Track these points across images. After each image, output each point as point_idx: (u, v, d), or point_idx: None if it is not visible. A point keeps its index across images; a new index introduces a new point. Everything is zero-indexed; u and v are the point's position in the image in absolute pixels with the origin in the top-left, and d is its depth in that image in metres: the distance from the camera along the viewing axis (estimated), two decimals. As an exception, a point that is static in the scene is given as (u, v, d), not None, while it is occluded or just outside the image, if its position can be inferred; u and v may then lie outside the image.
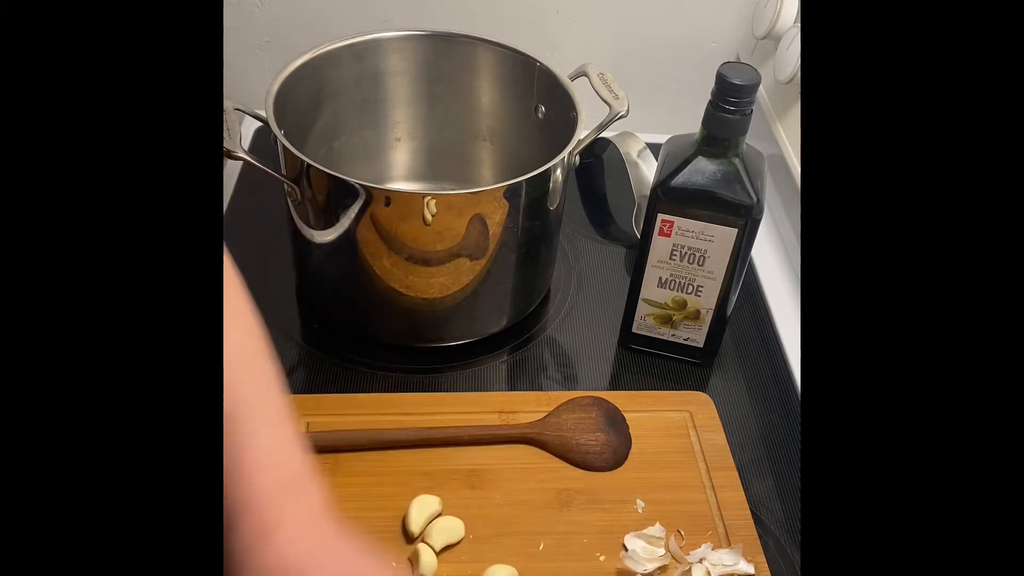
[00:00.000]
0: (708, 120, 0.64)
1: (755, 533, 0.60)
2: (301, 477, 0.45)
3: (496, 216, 0.67)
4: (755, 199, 0.65)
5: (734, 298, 0.71)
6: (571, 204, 0.92)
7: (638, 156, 0.90)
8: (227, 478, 0.42)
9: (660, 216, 0.67)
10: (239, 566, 0.43)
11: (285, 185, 0.68)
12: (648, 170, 0.88)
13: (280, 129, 0.67)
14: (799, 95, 0.87)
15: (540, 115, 0.78)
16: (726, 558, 0.57)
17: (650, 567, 0.57)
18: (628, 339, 0.76)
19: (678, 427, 0.67)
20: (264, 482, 0.43)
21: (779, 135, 0.89)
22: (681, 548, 0.58)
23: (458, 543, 0.58)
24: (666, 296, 0.71)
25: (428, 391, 0.71)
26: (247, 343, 0.46)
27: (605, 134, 0.72)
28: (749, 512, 0.62)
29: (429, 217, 0.64)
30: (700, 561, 0.57)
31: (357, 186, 0.64)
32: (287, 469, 0.45)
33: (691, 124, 0.67)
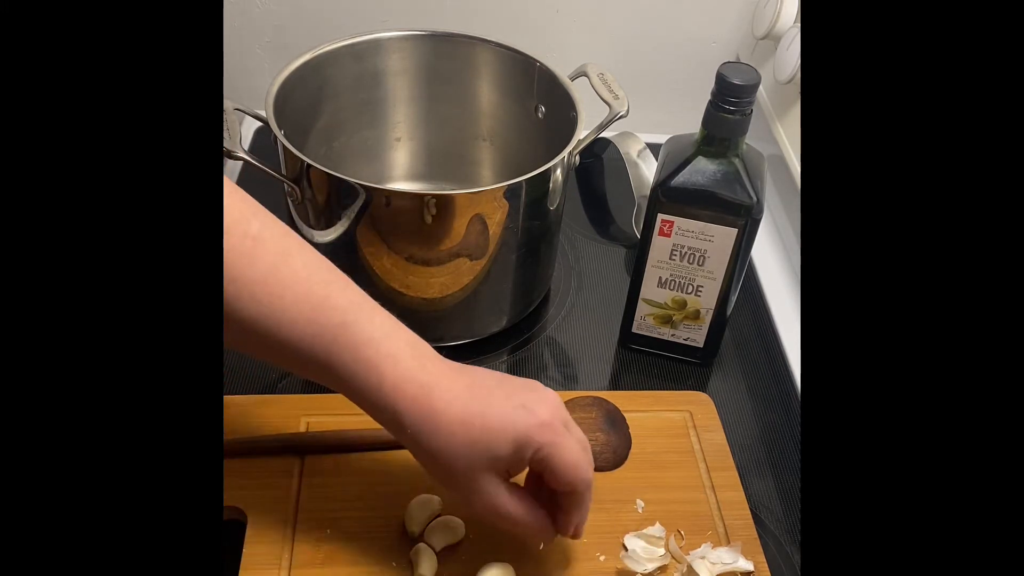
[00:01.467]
0: (708, 120, 0.64)
1: (755, 533, 0.60)
2: (418, 340, 0.52)
3: (496, 216, 0.67)
4: (755, 199, 0.65)
5: (734, 298, 0.71)
6: (571, 204, 0.92)
7: (638, 156, 0.90)
8: (364, 363, 0.49)
9: (660, 216, 0.67)
10: (406, 410, 0.49)
11: (285, 185, 0.68)
12: (648, 170, 0.88)
13: (280, 129, 0.67)
14: (799, 95, 0.86)
15: (540, 115, 0.78)
16: (725, 556, 0.57)
17: (650, 567, 0.57)
18: (628, 339, 0.76)
19: (678, 427, 0.67)
20: (394, 343, 0.50)
21: (779, 135, 0.89)
22: (681, 548, 0.58)
23: (458, 543, 0.58)
24: (666, 296, 0.71)
25: (428, 391, 0.71)
26: (322, 264, 0.51)
27: (605, 134, 0.72)
28: (749, 512, 0.62)
29: (429, 217, 0.64)
30: (701, 559, 0.57)
31: (357, 186, 0.64)
32: (406, 336, 0.51)
33: (691, 124, 0.67)
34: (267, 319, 0.48)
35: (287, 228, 0.51)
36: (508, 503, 0.51)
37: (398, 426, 0.50)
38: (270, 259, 0.48)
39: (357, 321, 0.49)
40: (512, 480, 0.52)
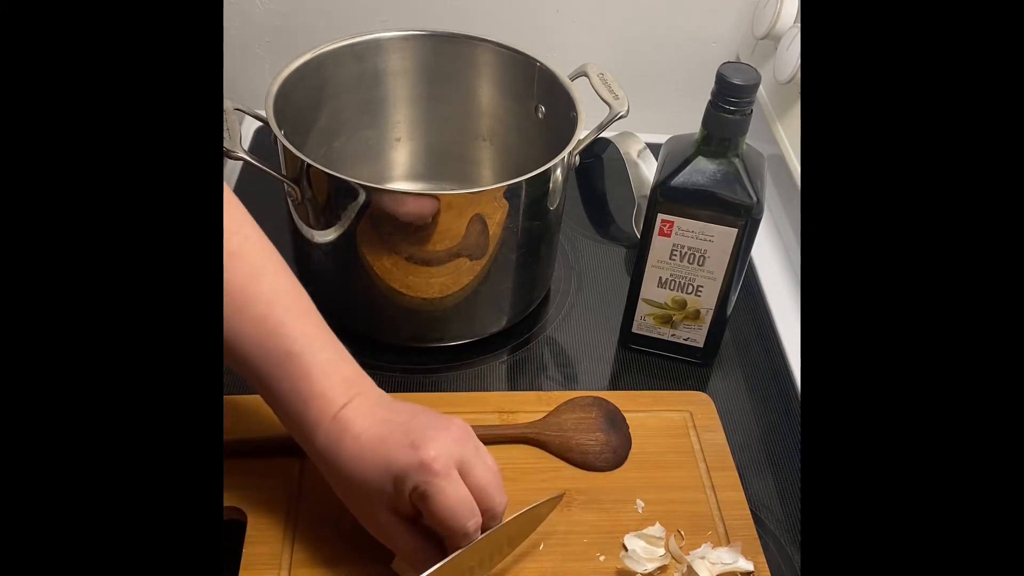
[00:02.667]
0: (708, 120, 0.64)
1: (755, 533, 0.60)
2: (359, 378, 0.54)
3: (496, 216, 0.67)
4: (755, 199, 0.65)
5: (734, 298, 0.71)
6: (571, 204, 0.92)
7: (638, 156, 0.90)
8: (297, 394, 0.52)
9: (660, 216, 0.67)
10: (319, 444, 0.52)
11: (285, 185, 0.68)
12: (648, 170, 0.88)
13: (280, 129, 0.67)
14: (799, 95, 0.87)
15: (540, 115, 0.78)
16: (725, 556, 0.57)
17: (650, 567, 0.57)
18: (628, 339, 0.76)
19: (678, 427, 0.67)
20: (330, 381, 0.52)
21: (779, 135, 0.89)
22: (681, 548, 0.58)
23: (458, 543, 0.58)
24: (666, 296, 0.71)
25: (428, 391, 0.71)
26: (290, 289, 0.54)
27: (605, 134, 0.72)
28: (749, 512, 0.62)
29: (429, 217, 0.64)
30: (701, 559, 0.57)
31: (357, 186, 0.64)
32: (347, 373, 0.54)
33: (691, 124, 0.67)
34: (225, 331, 0.50)
35: (268, 246, 0.54)
36: (403, 539, 0.52)
37: (315, 457, 0.54)
38: (240, 277, 0.51)
39: (303, 353, 0.52)
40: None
